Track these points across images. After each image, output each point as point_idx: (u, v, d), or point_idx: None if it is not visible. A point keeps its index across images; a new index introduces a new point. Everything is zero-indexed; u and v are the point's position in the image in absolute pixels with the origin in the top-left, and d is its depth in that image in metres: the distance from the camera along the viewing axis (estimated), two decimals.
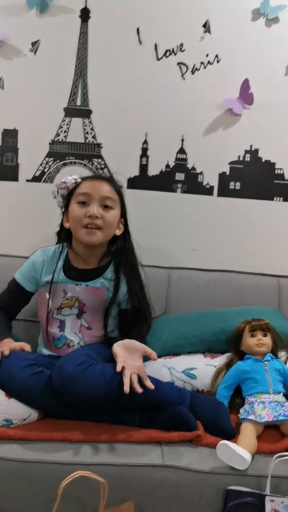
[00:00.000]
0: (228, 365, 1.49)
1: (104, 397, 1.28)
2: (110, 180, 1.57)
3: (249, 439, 1.25)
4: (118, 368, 1.28)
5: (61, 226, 1.59)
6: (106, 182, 1.53)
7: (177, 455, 1.23)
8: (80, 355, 1.33)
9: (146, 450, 1.25)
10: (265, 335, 1.48)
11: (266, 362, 1.43)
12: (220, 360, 1.53)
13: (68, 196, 1.54)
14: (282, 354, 1.53)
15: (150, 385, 1.30)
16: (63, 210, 1.57)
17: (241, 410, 1.37)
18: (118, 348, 1.35)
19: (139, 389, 1.27)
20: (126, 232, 1.58)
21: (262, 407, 1.33)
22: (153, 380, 1.35)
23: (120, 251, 1.57)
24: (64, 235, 1.59)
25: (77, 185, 1.52)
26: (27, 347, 1.41)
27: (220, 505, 1.18)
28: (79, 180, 1.53)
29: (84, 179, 1.54)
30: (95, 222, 1.47)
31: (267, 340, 1.47)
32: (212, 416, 1.33)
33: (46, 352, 1.54)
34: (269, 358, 1.45)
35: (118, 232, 1.56)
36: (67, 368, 1.28)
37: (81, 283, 1.53)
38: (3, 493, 1.20)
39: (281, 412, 1.32)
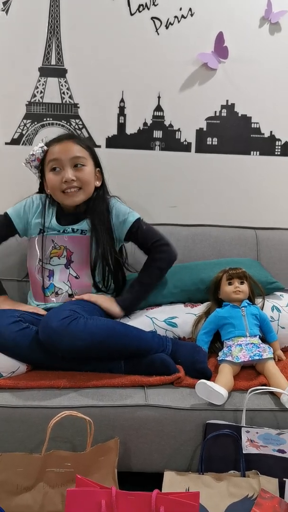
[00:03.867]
0: (207, 313, 1.55)
1: (88, 348, 1.34)
2: (75, 136, 1.61)
3: (225, 377, 1.32)
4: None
5: (40, 191, 1.65)
6: (72, 141, 1.56)
7: (159, 395, 1.30)
8: (65, 310, 1.38)
9: (130, 392, 1.32)
10: (242, 283, 1.53)
11: (243, 308, 1.49)
12: (200, 308, 1.59)
13: (41, 164, 1.58)
14: (259, 301, 1.59)
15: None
16: (40, 176, 1.62)
17: (220, 353, 1.44)
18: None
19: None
20: (103, 182, 1.63)
21: (239, 349, 1.40)
22: (135, 330, 1.43)
23: (96, 200, 1.60)
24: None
25: (45, 152, 1.56)
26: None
27: (200, 438, 1.26)
28: (46, 148, 1.56)
29: (50, 144, 1.56)
30: (72, 185, 1.53)
31: (244, 287, 1.53)
32: (192, 359, 1.40)
33: (35, 303, 1.59)
34: (246, 304, 1.50)
35: (98, 183, 1.61)
36: (52, 323, 1.33)
37: (68, 228, 1.58)
38: None
39: (256, 352, 1.39)
